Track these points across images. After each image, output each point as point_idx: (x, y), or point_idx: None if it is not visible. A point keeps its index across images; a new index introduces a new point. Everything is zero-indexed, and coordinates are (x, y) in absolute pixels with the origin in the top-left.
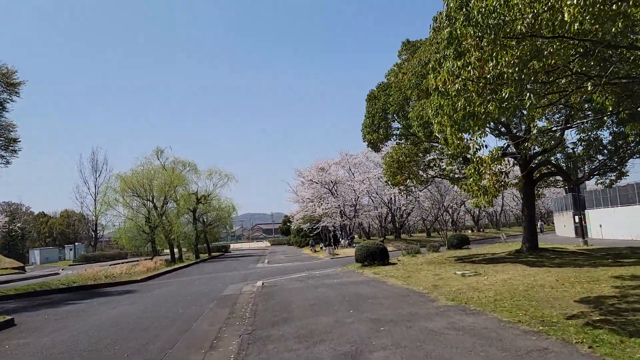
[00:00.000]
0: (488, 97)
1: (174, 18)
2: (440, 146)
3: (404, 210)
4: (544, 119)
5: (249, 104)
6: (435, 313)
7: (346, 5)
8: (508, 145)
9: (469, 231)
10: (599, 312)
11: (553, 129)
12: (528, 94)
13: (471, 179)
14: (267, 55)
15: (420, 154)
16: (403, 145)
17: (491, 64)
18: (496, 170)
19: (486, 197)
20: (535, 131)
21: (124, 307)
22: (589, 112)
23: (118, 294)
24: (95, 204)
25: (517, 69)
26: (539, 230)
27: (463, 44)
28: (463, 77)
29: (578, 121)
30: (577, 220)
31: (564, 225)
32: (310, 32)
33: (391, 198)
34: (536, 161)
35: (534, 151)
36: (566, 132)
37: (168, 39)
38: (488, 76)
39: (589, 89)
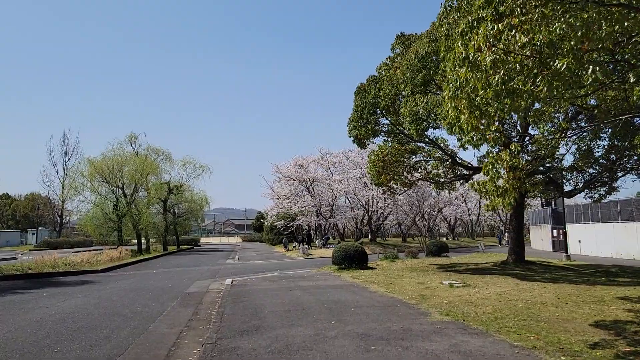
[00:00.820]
0: (535, 71)
1: (170, 16)
2: (427, 148)
3: (381, 213)
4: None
5: (245, 99)
6: (432, 330)
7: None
8: (500, 150)
9: (444, 238)
10: (625, 341)
11: (549, 137)
12: (591, 67)
13: (488, 178)
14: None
15: (407, 155)
16: (390, 145)
17: (538, 35)
18: (515, 167)
19: (505, 198)
20: (530, 135)
21: (76, 300)
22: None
23: (73, 284)
24: (62, 188)
25: (579, 33)
26: None
27: (502, 6)
28: (502, 46)
29: (579, 129)
30: (555, 234)
31: (540, 238)
32: (318, 29)
33: (368, 200)
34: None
35: (525, 159)
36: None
37: (166, 40)
38: (538, 42)
39: (631, 80)
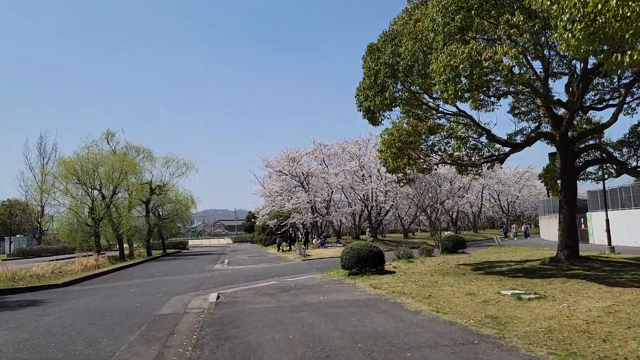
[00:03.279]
0: None
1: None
2: (449, 125)
3: (382, 207)
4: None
5: (233, 97)
6: None
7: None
8: (540, 124)
9: (445, 233)
10: None
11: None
12: None
13: None
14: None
15: (424, 135)
16: (406, 121)
17: None
18: None
19: None
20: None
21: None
22: None
23: (16, 306)
24: (40, 193)
25: None
26: (522, 233)
27: None
28: None
29: None
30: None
31: (553, 229)
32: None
33: (366, 194)
34: (582, 145)
35: (577, 132)
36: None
37: (160, 39)
38: None
39: None
